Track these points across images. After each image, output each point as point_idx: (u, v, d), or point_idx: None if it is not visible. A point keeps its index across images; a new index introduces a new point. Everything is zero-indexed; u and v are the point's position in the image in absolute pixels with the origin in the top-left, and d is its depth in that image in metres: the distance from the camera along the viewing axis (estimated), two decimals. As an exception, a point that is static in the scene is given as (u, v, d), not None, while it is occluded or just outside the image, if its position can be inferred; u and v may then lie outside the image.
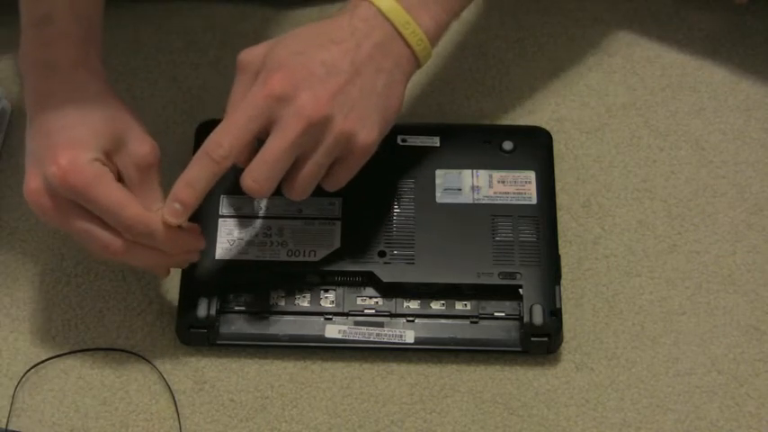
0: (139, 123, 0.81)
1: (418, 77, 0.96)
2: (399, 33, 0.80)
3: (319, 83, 0.78)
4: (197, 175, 0.78)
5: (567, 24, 0.99)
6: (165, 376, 0.85)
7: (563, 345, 0.85)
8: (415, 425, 0.84)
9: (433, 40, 0.82)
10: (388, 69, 0.80)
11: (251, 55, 0.81)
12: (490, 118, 0.95)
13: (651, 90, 0.96)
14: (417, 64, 0.82)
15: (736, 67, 0.97)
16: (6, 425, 0.83)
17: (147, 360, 0.86)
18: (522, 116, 0.95)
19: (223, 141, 0.77)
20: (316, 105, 0.77)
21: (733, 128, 0.95)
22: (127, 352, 0.86)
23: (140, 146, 0.80)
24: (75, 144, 0.78)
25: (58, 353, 0.86)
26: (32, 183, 0.79)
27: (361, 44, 0.79)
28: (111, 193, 0.78)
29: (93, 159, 0.78)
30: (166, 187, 0.88)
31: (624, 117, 0.95)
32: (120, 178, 0.80)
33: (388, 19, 0.80)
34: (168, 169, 0.92)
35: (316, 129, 0.77)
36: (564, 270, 0.87)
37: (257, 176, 0.78)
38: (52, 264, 0.89)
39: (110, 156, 0.79)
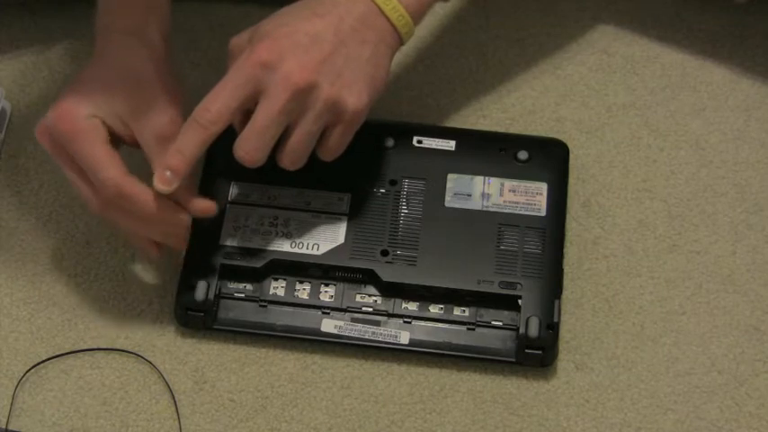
0: (170, 97, 0.82)
1: (419, 77, 0.96)
2: (380, 9, 0.82)
3: (304, 51, 0.79)
4: (186, 141, 0.80)
5: (566, 24, 0.99)
6: (164, 376, 0.85)
7: (563, 345, 0.85)
8: (415, 425, 0.84)
9: (415, 16, 0.83)
10: (372, 41, 0.81)
11: (238, 39, 0.83)
12: (490, 118, 0.95)
13: (651, 90, 0.96)
14: (400, 40, 0.83)
15: (736, 67, 0.97)
16: (6, 425, 0.83)
17: (147, 360, 0.86)
18: (523, 116, 0.95)
19: (211, 107, 0.79)
20: (301, 72, 0.79)
21: (733, 128, 0.95)
22: (127, 352, 0.86)
23: (160, 116, 0.81)
24: (83, 98, 0.80)
25: (57, 353, 0.86)
26: (43, 121, 0.82)
27: (343, 17, 0.81)
28: (92, 150, 0.80)
29: (92, 116, 0.80)
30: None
31: (624, 117, 0.95)
32: (136, 145, 0.82)
33: None
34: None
35: (303, 95, 0.79)
36: (564, 270, 0.87)
37: (247, 146, 0.79)
38: (52, 264, 0.89)
39: (125, 121, 0.81)
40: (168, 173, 0.80)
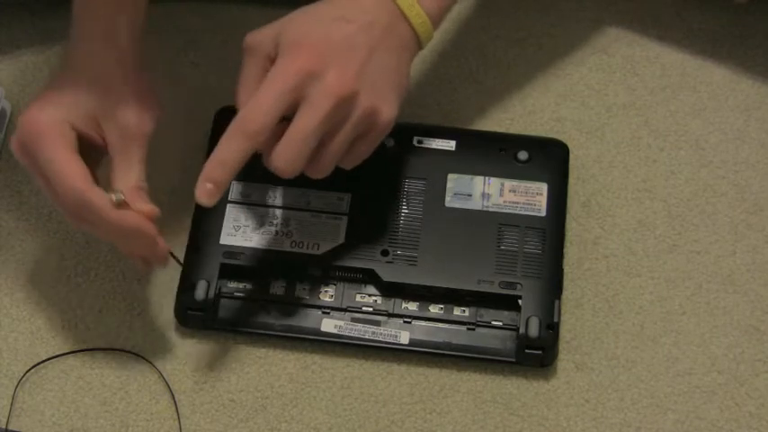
0: (139, 98, 0.80)
1: (418, 77, 0.96)
2: (404, 15, 0.81)
3: (345, 59, 0.78)
4: (229, 152, 0.77)
5: (566, 24, 0.99)
6: (164, 376, 0.85)
7: (563, 345, 0.85)
8: (415, 425, 0.84)
9: (435, 22, 0.83)
10: (396, 49, 0.81)
11: (260, 35, 0.81)
12: (490, 118, 0.95)
13: (651, 90, 0.96)
14: (419, 46, 0.83)
15: (736, 67, 0.97)
16: (6, 425, 0.83)
17: (147, 360, 0.86)
18: (523, 116, 0.95)
19: (255, 117, 0.76)
20: (344, 82, 0.77)
21: (733, 128, 0.94)
22: (127, 352, 0.86)
23: (127, 116, 0.79)
24: (51, 102, 0.79)
25: (57, 353, 0.86)
26: (15, 131, 0.80)
27: (373, 24, 0.80)
28: (54, 154, 0.77)
29: (61, 120, 0.78)
30: (164, 186, 0.88)
31: (624, 117, 0.95)
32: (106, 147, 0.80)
33: (393, 0, 0.81)
34: (167, 168, 0.92)
35: (344, 105, 0.77)
36: (564, 270, 0.87)
37: (287, 156, 0.77)
38: (52, 264, 0.89)
39: (97, 121, 0.79)
40: (210, 185, 0.77)
